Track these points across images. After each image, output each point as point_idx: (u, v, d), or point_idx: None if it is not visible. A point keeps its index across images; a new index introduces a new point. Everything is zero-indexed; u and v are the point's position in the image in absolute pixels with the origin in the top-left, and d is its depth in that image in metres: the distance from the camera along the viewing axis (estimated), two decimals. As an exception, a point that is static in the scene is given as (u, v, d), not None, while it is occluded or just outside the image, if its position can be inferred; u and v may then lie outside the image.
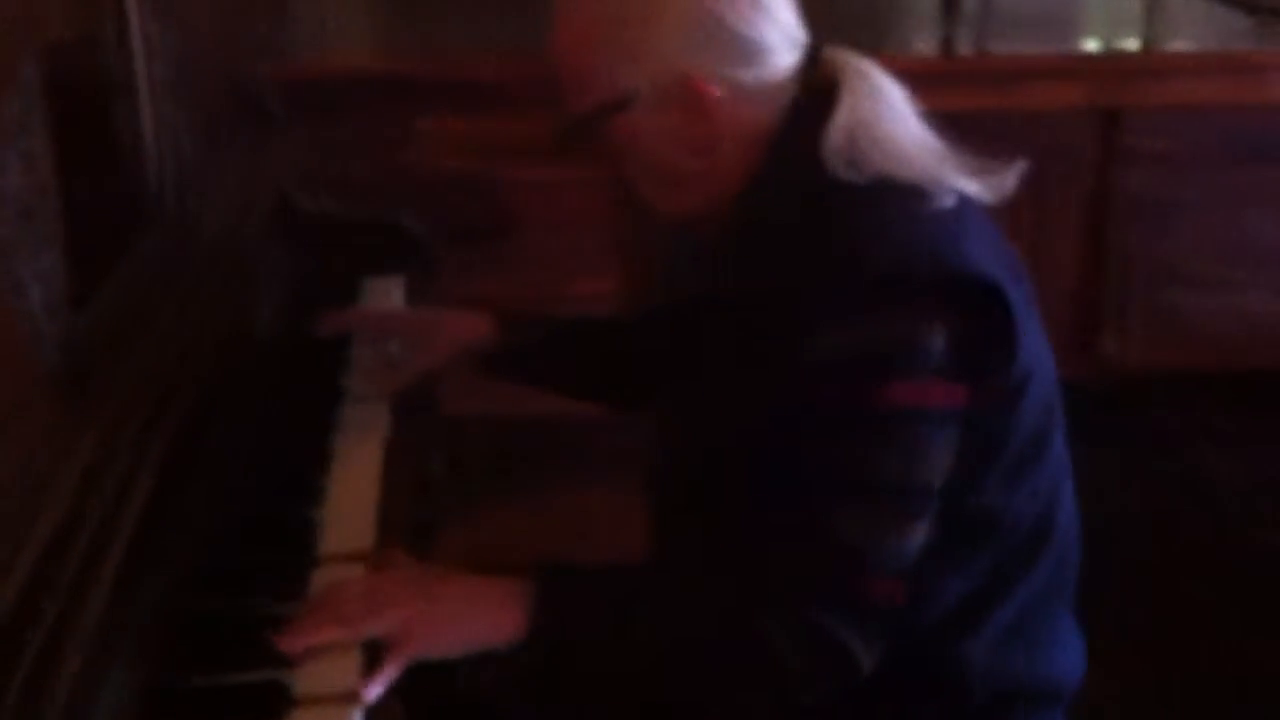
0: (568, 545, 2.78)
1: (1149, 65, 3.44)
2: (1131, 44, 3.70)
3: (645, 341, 1.62)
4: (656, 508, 1.42)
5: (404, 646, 1.17)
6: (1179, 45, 3.69)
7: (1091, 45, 3.51)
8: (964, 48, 3.56)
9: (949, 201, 1.22)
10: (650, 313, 1.65)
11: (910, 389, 1.16)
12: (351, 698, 1.10)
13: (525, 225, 3.25)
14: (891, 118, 1.26)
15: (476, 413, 2.24)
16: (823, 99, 1.25)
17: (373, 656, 1.16)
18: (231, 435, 1.44)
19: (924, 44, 3.53)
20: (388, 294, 1.95)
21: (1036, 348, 1.26)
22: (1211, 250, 3.51)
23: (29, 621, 0.91)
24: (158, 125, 1.48)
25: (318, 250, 1.98)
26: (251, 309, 1.71)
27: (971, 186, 1.25)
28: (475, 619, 1.21)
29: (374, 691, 1.13)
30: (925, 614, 1.25)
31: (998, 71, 3.26)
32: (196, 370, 1.40)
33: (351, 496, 1.42)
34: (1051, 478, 1.31)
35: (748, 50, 1.24)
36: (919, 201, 1.21)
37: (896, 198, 1.22)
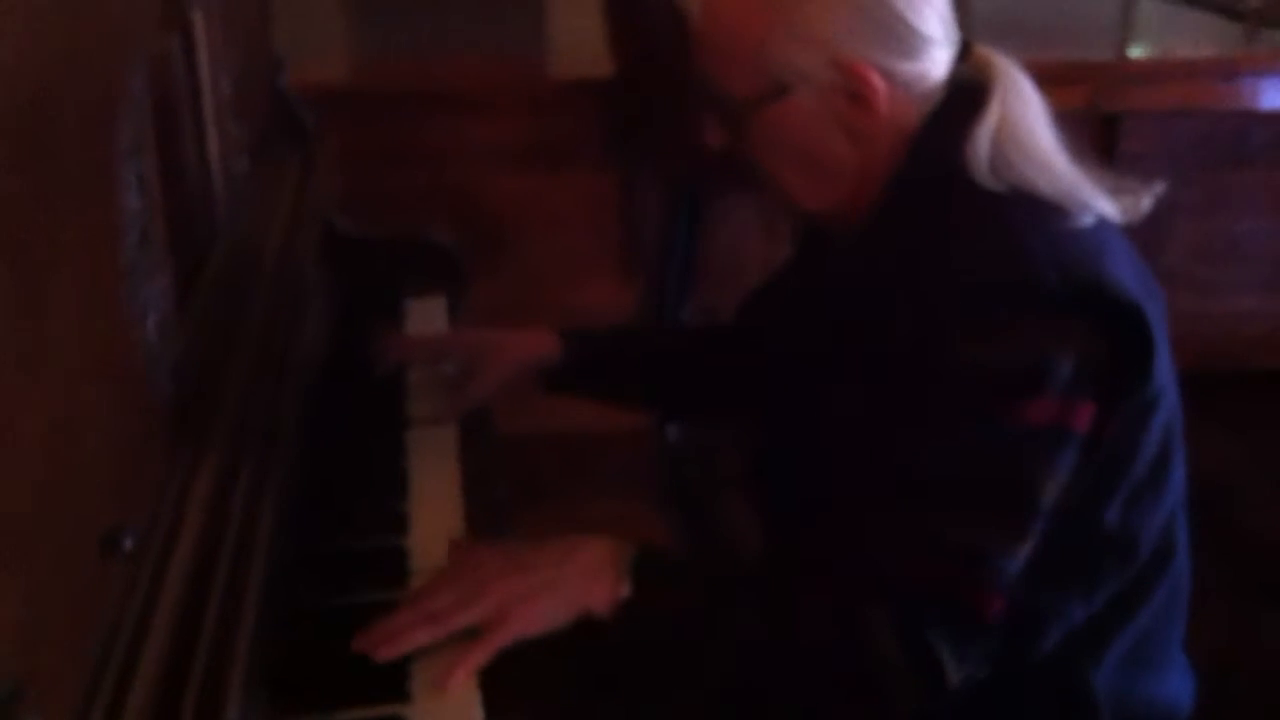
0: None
1: (1142, 71, 3.47)
2: (1123, 50, 3.72)
3: (722, 347, 1.60)
4: (765, 506, 1.39)
5: (502, 628, 1.13)
6: (1169, 51, 3.71)
7: (1085, 51, 3.52)
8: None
9: (1088, 220, 1.20)
10: (718, 329, 1.63)
11: (1043, 406, 1.13)
12: None
13: (520, 234, 3.22)
14: (1036, 125, 1.23)
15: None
16: (971, 98, 1.22)
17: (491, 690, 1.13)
18: (307, 464, 1.39)
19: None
20: (430, 314, 1.90)
21: (1167, 368, 1.23)
22: (1203, 253, 3.56)
23: (186, 660, 0.87)
24: (222, 143, 1.43)
25: (357, 270, 1.93)
26: (306, 329, 1.65)
27: (1106, 205, 1.22)
28: (572, 586, 1.16)
29: (460, 677, 1.10)
30: (1051, 638, 1.22)
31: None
32: (269, 396, 1.35)
33: (435, 523, 1.38)
34: (1172, 502, 1.29)
35: (914, 42, 1.21)
36: (1061, 218, 1.18)
37: (1039, 212, 1.18)
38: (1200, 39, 3.79)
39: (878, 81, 1.20)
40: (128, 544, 0.86)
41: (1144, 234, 3.40)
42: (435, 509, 1.41)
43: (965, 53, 1.27)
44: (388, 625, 1.14)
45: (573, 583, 1.16)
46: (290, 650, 1.12)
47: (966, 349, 1.13)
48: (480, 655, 1.12)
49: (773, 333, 1.44)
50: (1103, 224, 1.22)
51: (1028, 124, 1.22)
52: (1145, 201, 1.25)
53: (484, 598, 1.14)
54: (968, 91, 1.23)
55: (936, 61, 1.23)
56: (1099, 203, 1.22)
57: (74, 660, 0.80)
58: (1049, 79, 3.48)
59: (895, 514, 1.16)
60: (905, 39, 1.20)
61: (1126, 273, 1.19)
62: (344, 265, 1.91)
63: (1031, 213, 1.18)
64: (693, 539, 2.64)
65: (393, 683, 1.10)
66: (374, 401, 1.62)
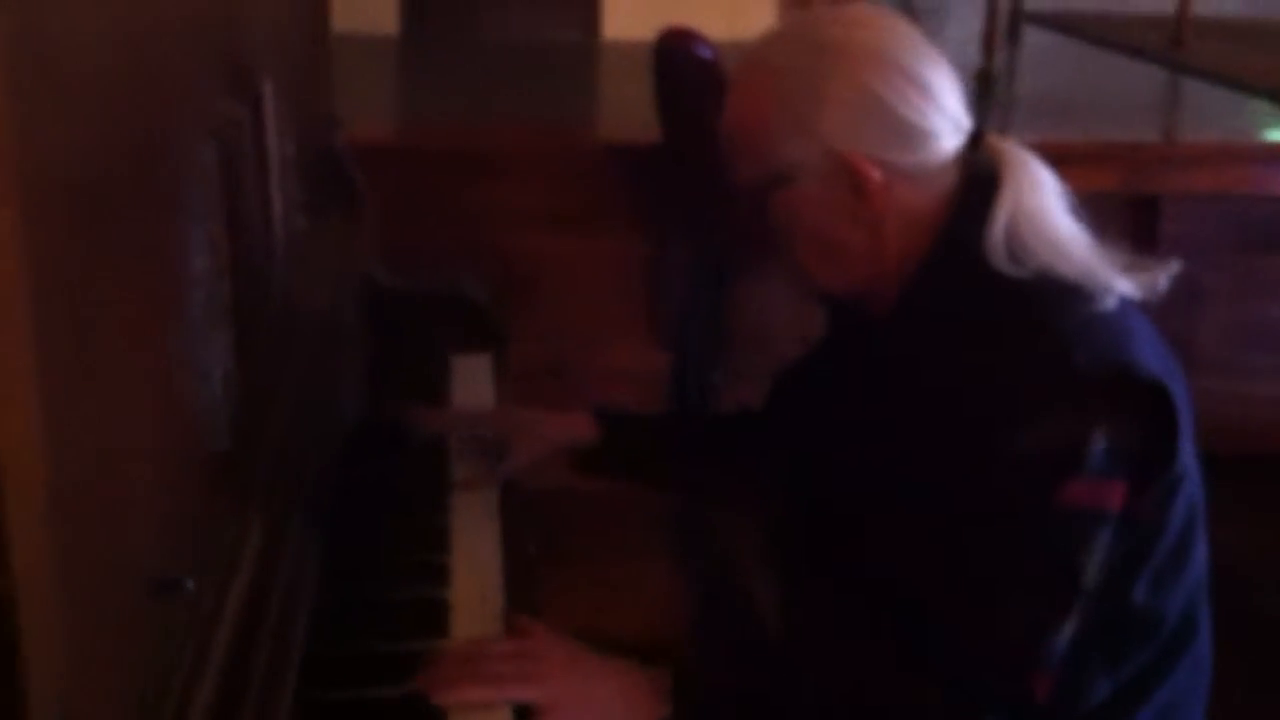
0: (614, 613, 2.79)
1: (1180, 153, 3.50)
2: (1161, 132, 3.76)
3: (753, 434, 1.64)
4: (786, 575, 1.43)
5: (553, 717, 1.19)
6: (1206, 134, 3.75)
7: (1130, 132, 3.56)
8: (995, 133, 3.61)
9: (1111, 303, 1.24)
10: (749, 416, 1.67)
11: (1080, 489, 1.17)
12: None
13: (552, 295, 3.28)
14: (1051, 210, 1.27)
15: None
16: (984, 187, 1.26)
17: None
18: (354, 517, 1.44)
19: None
20: (475, 371, 1.96)
21: (1190, 448, 1.27)
22: (1234, 336, 3.57)
23: (236, 702, 0.91)
24: (283, 202, 1.49)
25: (398, 324, 1.99)
26: (352, 385, 1.71)
27: (1125, 285, 1.26)
28: (617, 703, 1.23)
29: None
30: (1077, 712, 1.25)
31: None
32: (318, 450, 1.41)
33: (475, 577, 1.42)
34: (1196, 576, 1.32)
35: (912, 135, 1.26)
36: (1085, 302, 1.22)
37: (1063, 298, 1.23)
38: (1245, 123, 3.82)
39: (874, 173, 1.26)
40: (185, 588, 0.91)
41: (1176, 316, 3.43)
42: (475, 564, 1.45)
43: (978, 141, 1.31)
44: (446, 670, 1.20)
45: (619, 702, 1.23)
46: (335, 694, 1.17)
47: (1002, 436, 1.17)
48: None
49: (802, 415, 1.49)
50: (1125, 306, 1.26)
51: (1044, 210, 1.27)
52: (1162, 280, 1.28)
53: (541, 683, 1.21)
54: (982, 181, 1.27)
55: (940, 153, 1.28)
56: (1118, 283, 1.26)
57: (129, 698, 0.85)
58: (1088, 159, 3.54)
59: (943, 602, 1.20)
60: (903, 133, 1.26)
61: (1151, 354, 1.23)
62: (384, 319, 1.97)
63: (1058, 297, 1.22)
64: (712, 603, 2.67)
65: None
66: (419, 458, 1.67)
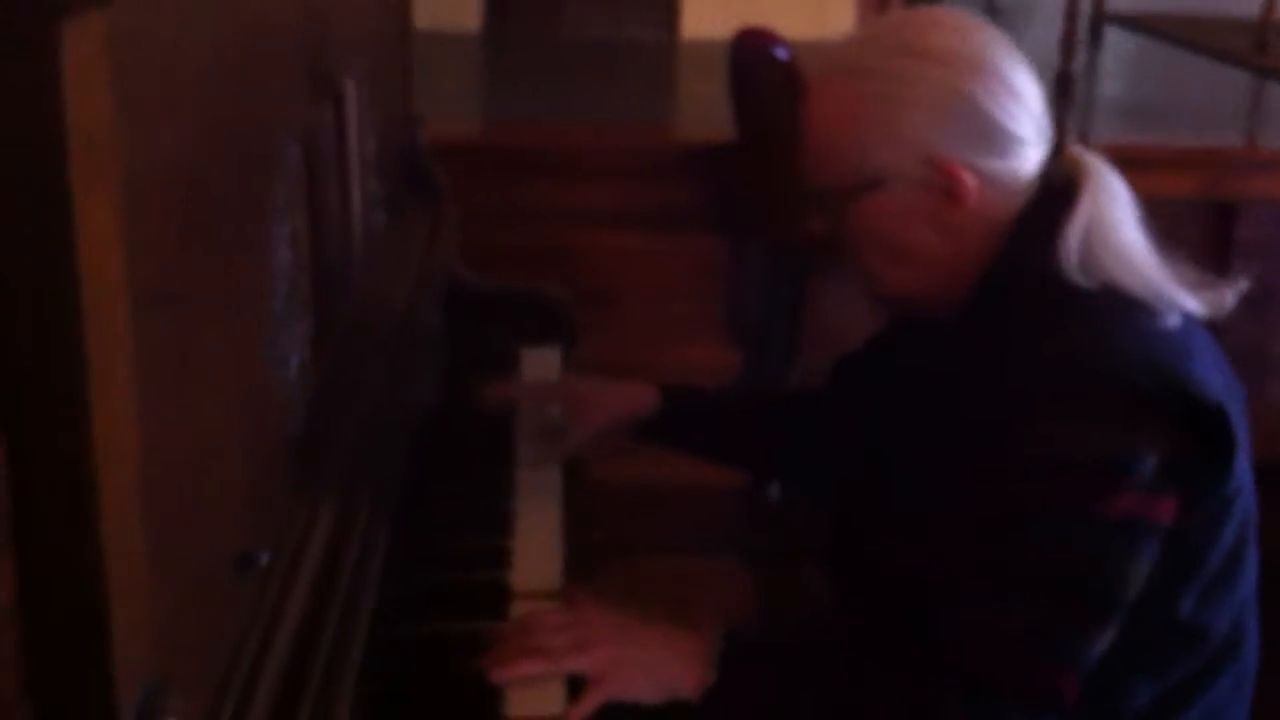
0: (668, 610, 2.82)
1: (1259, 158, 3.47)
2: (1241, 137, 3.73)
3: (814, 411, 1.66)
4: (837, 575, 1.46)
5: (604, 685, 1.24)
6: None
7: (1211, 137, 3.53)
8: (1074, 136, 3.60)
9: (1175, 320, 1.24)
10: (812, 393, 1.70)
11: (1127, 500, 1.18)
12: None
13: (627, 294, 3.32)
14: (1123, 223, 1.27)
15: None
16: (1062, 196, 1.27)
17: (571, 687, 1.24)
18: (421, 499, 1.50)
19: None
20: (544, 363, 2.01)
21: (1245, 466, 1.28)
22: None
23: (305, 669, 0.97)
24: (364, 200, 1.54)
25: (476, 319, 2.05)
26: (426, 376, 1.77)
27: (1192, 303, 1.26)
28: (669, 668, 1.27)
29: (577, 716, 1.21)
30: (1117, 716, 1.27)
31: (1114, 161, 3.30)
32: (390, 435, 1.46)
33: (536, 560, 1.48)
34: (1246, 591, 1.33)
35: (1003, 141, 1.27)
36: (1149, 318, 1.23)
37: (1129, 312, 1.23)
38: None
39: (969, 179, 1.26)
40: (260, 562, 0.96)
41: (1249, 320, 3.40)
42: (537, 547, 1.51)
43: (1057, 151, 1.32)
44: (502, 651, 1.24)
45: (669, 666, 1.27)
46: (397, 669, 1.22)
47: (1057, 443, 1.18)
48: (586, 706, 1.23)
49: (856, 404, 1.51)
50: (1189, 322, 1.27)
51: (1118, 223, 1.27)
52: (1230, 298, 1.28)
53: (593, 651, 1.25)
54: (1059, 190, 1.28)
55: (1027, 160, 1.29)
56: (1186, 300, 1.26)
57: (208, 662, 0.91)
58: (1166, 164, 3.51)
59: (978, 601, 1.22)
60: (997, 139, 1.27)
61: (1211, 372, 1.24)
62: (463, 313, 2.02)
63: (1122, 311, 1.23)
64: (776, 600, 2.70)
65: (488, 709, 1.20)
66: (485, 443, 1.73)
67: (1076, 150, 1.33)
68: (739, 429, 1.73)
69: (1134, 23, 5.07)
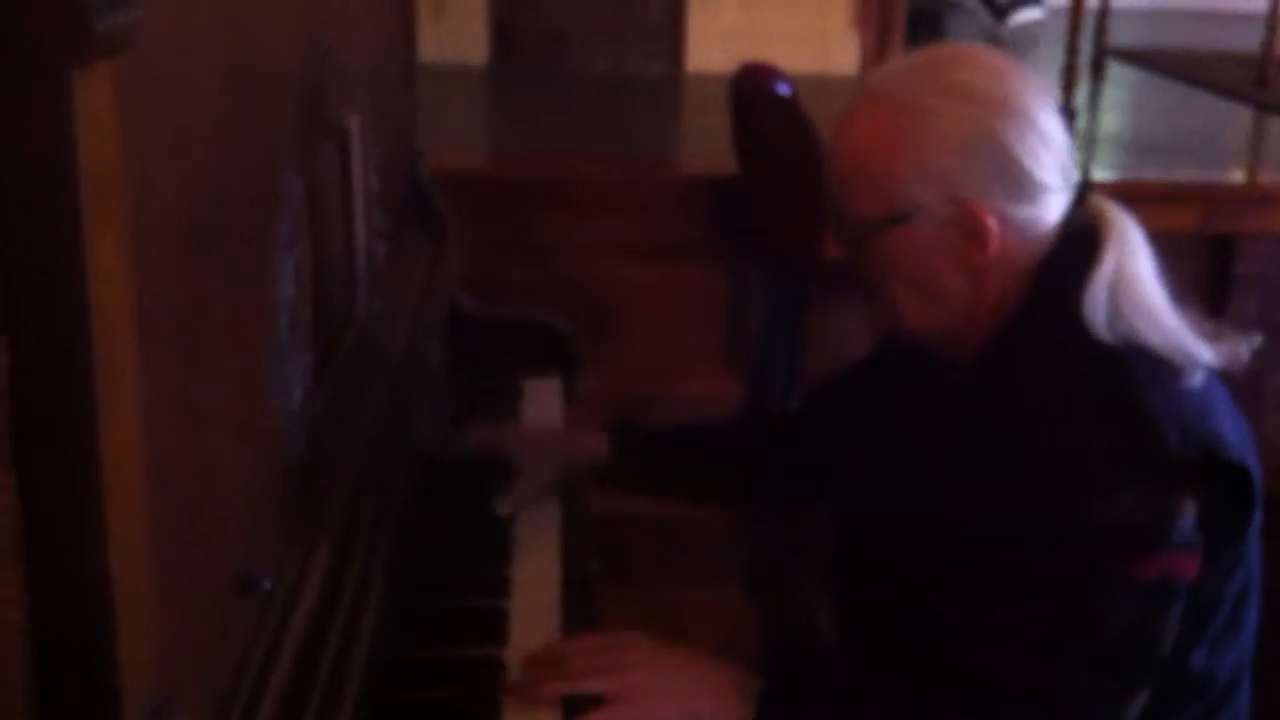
0: (681, 641, 2.83)
1: (1258, 193, 3.50)
2: (1241, 172, 3.76)
3: (781, 440, 1.68)
4: (844, 607, 1.47)
5: (619, 707, 1.23)
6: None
7: (1204, 172, 3.57)
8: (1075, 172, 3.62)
9: (1199, 378, 1.25)
10: (775, 421, 1.70)
11: (1160, 561, 1.20)
12: None
13: (630, 324, 3.35)
14: (1148, 278, 1.28)
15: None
16: (1085, 246, 1.28)
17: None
18: (422, 527, 1.53)
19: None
20: (546, 394, 2.04)
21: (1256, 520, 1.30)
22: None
23: (305, 691, 1.00)
24: (367, 232, 1.58)
25: (477, 349, 2.08)
26: (428, 406, 1.80)
27: (1209, 355, 1.27)
28: (697, 698, 1.26)
29: None
30: None
31: (1112, 195, 3.33)
32: (390, 464, 1.49)
33: (536, 590, 1.50)
34: (1248, 636, 1.35)
35: (1030, 187, 1.27)
36: (1174, 377, 1.24)
37: (1156, 371, 1.24)
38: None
39: (993, 223, 1.26)
40: (262, 586, 0.99)
41: (1253, 357, 3.42)
42: (536, 576, 1.53)
43: (1081, 199, 1.33)
44: (530, 673, 1.26)
45: (702, 697, 1.26)
46: (396, 694, 1.25)
47: (1088, 507, 1.19)
48: None
49: (854, 435, 1.53)
50: (1209, 378, 1.28)
51: (1141, 277, 1.27)
52: (1244, 351, 1.29)
53: (619, 674, 1.25)
54: (1082, 239, 1.28)
55: (1051, 207, 1.29)
56: (1205, 355, 1.27)
57: (211, 683, 0.94)
58: (1166, 198, 3.54)
59: (1011, 662, 1.22)
60: (1024, 185, 1.27)
61: (1232, 429, 1.25)
62: (466, 344, 2.06)
63: (1149, 371, 1.24)
64: (775, 628, 2.72)
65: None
66: (486, 473, 1.76)
67: (1100, 200, 1.34)
68: (697, 469, 1.74)
69: (1135, 57, 5.11)
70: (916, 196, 1.27)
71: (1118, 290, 1.25)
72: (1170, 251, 3.61)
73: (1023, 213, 1.27)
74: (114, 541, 0.72)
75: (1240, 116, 4.33)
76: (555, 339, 2.14)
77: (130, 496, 0.74)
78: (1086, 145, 3.81)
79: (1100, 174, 3.61)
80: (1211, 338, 1.28)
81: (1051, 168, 1.28)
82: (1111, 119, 4.33)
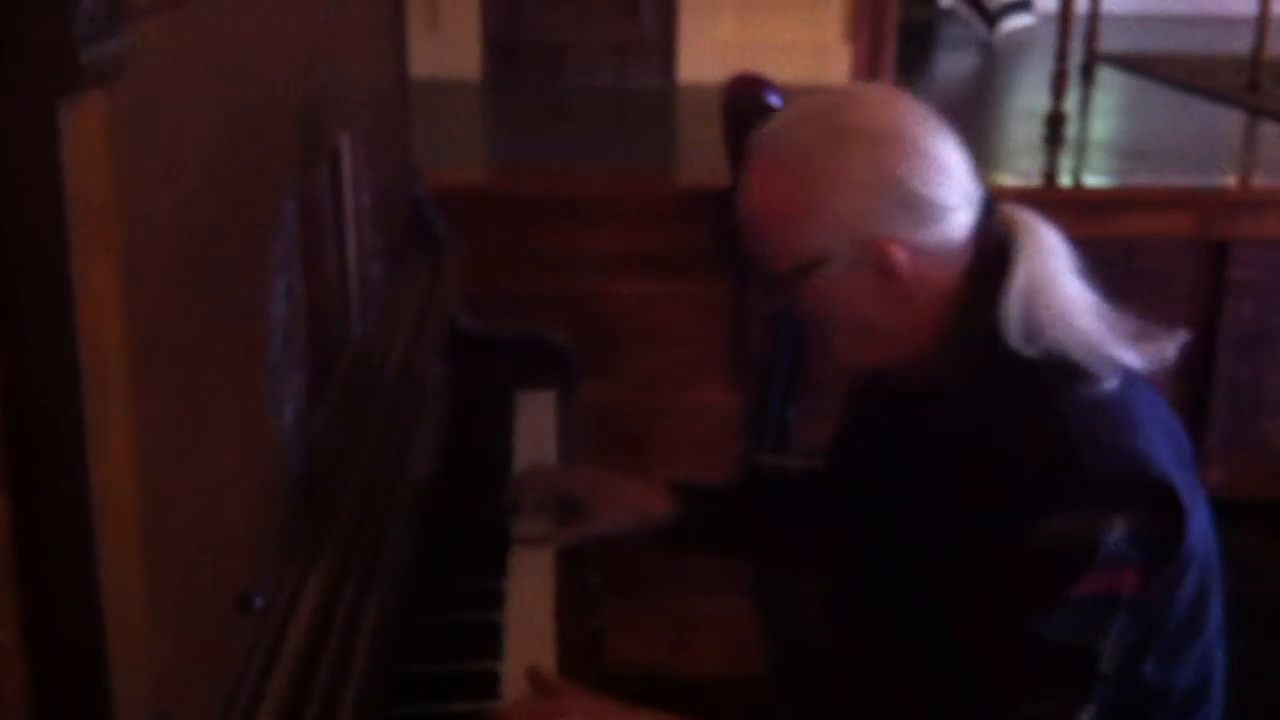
0: (688, 651, 2.83)
1: (1251, 198, 3.51)
2: (1233, 176, 3.77)
3: (818, 499, 1.68)
4: (838, 631, 1.49)
5: None
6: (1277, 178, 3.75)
7: (1195, 177, 3.58)
8: (1065, 178, 3.65)
9: (1113, 383, 1.27)
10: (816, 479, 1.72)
11: (1095, 579, 1.21)
12: None
13: (632, 337, 3.36)
14: (1062, 280, 1.30)
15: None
16: (999, 258, 1.30)
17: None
18: (419, 541, 1.54)
19: (1026, 174, 3.61)
20: (540, 407, 2.05)
21: (1200, 523, 1.31)
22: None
23: (301, 704, 1.01)
24: (359, 251, 1.59)
25: (475, 364, 2.09)
26: (424, 419, 1.81)
27: (1132, 356, 1.29)
28: None
29: None
30: None
31: (1102, 202, 3.35)
32: (387, 480, 1.50)
33: (530, 604, 1.51)
34: (1209, 639, 1.36)
35: (930, 211, 1.29)
36: (1090, 386, 1.26)
37: (1073, 385, 1.26)
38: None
39: (901, 254, 1.28)
40: (258, 603, 1.00)
41: (1245, 360, 3.41)
42: (530, 590, 1.54)
43: (990, 210, 1.34)
44: None
45: None
46: (393, 708, 1.26)
47: (1015, 531, 1.22)
48: None
49: (859, 473, 1.53)
50: (1132, 382, 1.30)
51: (1056, 279, 1.30)
52: (1170, 350, 1.31)
53: None
54: (996, 251, 1.31)
55: (956, 224, 1.31)
56: (1126, 355, 1.29)
57: (207, 700, 0.95)
58: (1159, 204, 3.55)
59: (964, 690, 1.26)
60: (924, 211, 1.29)
61: (1158, 439, 1.27)
62: (462, 358, 2.07)
63: (1062, 383, 1.26)
64: (780, 642, 2.72)
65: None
66: (479, 491, 1.77)
67: (1008, 209, 1.36)
68: (753, 533, 1.75)
69: (1126, 62, 5.13)
70: (822, 245, 1.29)
71: (1032, 300, 1.27)
72: (1164, 257, 3.62)
73: (930, 237, 1.29)
74: (107, 563, 0.73)
75: (1232, 121, 4.34)
76: (553, 353, 2.15)
77: (124, 518, 0.76)
78: (1078, 151, 3.82)
79: (1092, 180, 3.63)
80: (1137, 338, 1.30)
81: (949, 189, 1.30)
82: (1102, 125, 4.34)
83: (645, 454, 3.17)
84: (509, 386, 2.07)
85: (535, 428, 1.99)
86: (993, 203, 1.36)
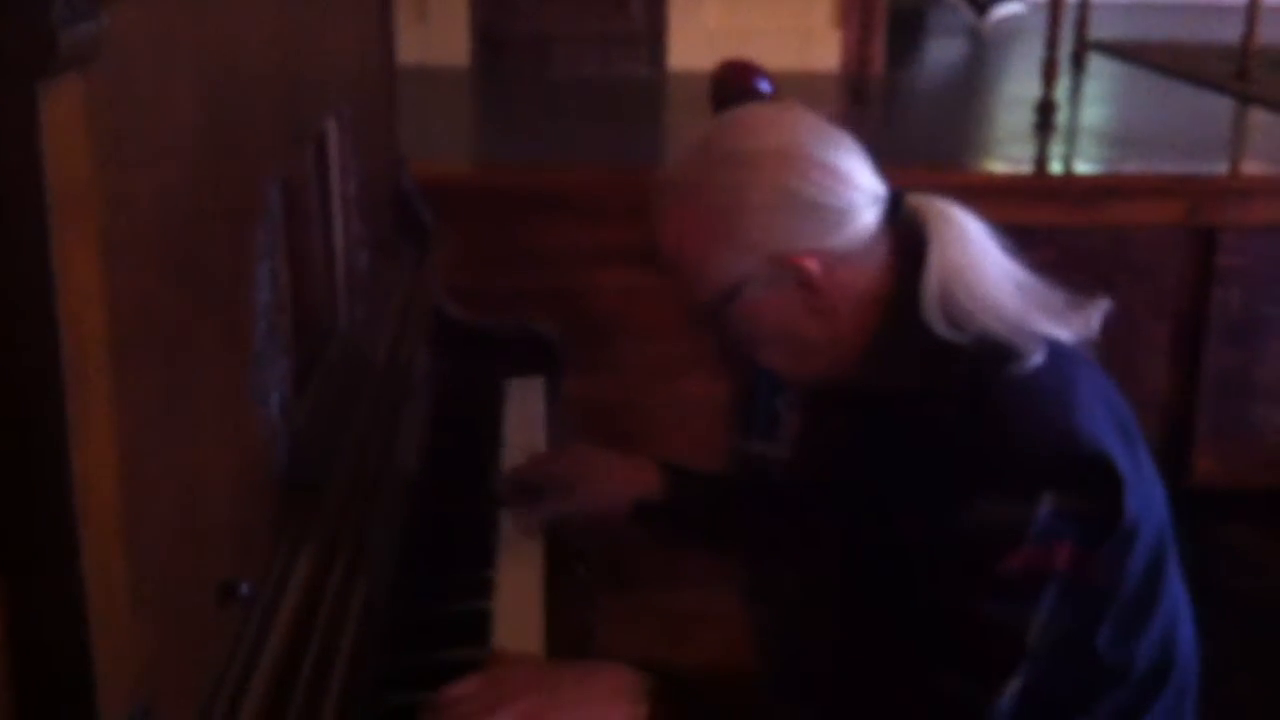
0: (680, 644, 2.83)
1: (1240, 185, 3.51)
2: (1223, 164, 3.77)
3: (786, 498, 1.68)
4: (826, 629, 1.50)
5: None
6: (1267, 166, 3.75)
7: (1192, 165, 3.57)
8: (1055, 165, 3.64)
9: (1044, 359, 1.28)
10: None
11: (1024, 554, 1.22)
12: None
13: (620, 331, 3.36)
14: (979, 261, 1.31)
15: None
16: (914, 249, 1.32)
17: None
18: (405, 531, 1.53)
19: (1016, 162, 3.61)
20: (528, 393, 2.04)
21: (1144, 495, 1.31)
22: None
23: (285, 696, 1.00)
24: (346, 240, 1.58)
25: (461, 353, 2.09)
26: (410, 409, 1.80)
27: (1060, 330, 1.31)
28: (590, 707, 1.27)
29: None
30: None
31: (1091, 189, 3.34)
32: (373, 470, 1.50)
33: (518, 594, 1.50)
34: (1168, 615, 1.36)
35: (834, 217, 1.30)
36: (1018, 364, 1.27)
37: (1001, 366, 1.27)
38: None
39: (814, 265, 1.30)
40: (242, 593, 1.00)
41: (1235, 347, 3.42)
42: (519, 581, 1.54)
43: (899, 202, 1.35)
44: None
45: (592, 704, 1.27)
46: (380, 696, 1.25)
47: (949, 512, 1.23)
48: None
49: (809, 482, 1.56)
50: (1067, 356, 1.31)
51: (972, 262, 1.31)
52: (1095, 319, 1.33)
53: (510, 705, 1.25)
54: (911, 242, 1.32)
55: (864, 223, 1.32)
56: (1050, 330, 1.30)
57: (191, 691, 0.94)
58: (1149, 192, 3.54)
59: (896, 664, 1.27)
60: (827, 219, 1.30)
61: (1096, 413, 1.28)
62: (449, 348, 2.06)
63: (990, 366, 1.27)
64: (771, 635, 2.72)
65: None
66: (468, 479, 1.76)
67: (917, 199, 1.36)
68: (737, 526, 1.73)
69: (1116, 50, 5.13)
70: (737, 270, 1.31)
71: (950, 286, 1.29)
72: (1153, 244, 3.62)
73: (839, 242, 1.30)
74: (90, 554, 0.72)
75: (1222, 109, 4.34)
76: (540, 344, 2.14)
77: (106, 508, 0.75)
78: (1068, 138, 3.81)
79: (1082, 167, 3.62)
80: (1064, 311, 1.31)
81: (849, 192, 1.31)
82: (1093, 112, 4.34)
83: (635, 446, 3.17)
84: (497, 374, 2.06)
85: (525, 413, 1.99)
86: (901, 197, 1.36)
